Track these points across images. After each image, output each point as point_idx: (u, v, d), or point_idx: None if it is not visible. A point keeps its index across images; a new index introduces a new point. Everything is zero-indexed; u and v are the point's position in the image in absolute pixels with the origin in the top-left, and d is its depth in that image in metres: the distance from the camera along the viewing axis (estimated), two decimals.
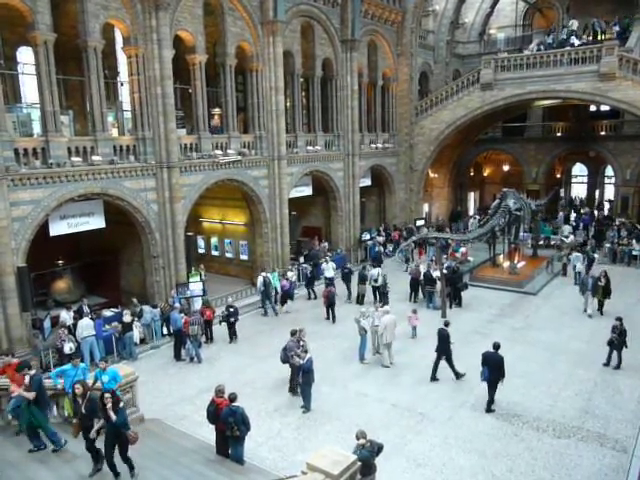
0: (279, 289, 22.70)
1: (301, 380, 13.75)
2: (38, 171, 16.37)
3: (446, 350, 15.31)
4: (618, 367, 15.59)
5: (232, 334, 19.09)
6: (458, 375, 15.41)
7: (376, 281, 22.63)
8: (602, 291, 20.31)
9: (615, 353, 15.65)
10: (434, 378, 15.40)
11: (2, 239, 15.62)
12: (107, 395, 9.71)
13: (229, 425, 10.63)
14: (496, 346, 13.55)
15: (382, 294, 22.31)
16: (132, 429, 10.04)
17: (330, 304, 20.92)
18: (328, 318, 21.09)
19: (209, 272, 25.42)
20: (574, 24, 33.69)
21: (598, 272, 20.85)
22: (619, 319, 15.51)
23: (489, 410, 13.55)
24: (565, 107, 37.37)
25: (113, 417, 9.58)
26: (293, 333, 14.83)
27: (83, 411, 10.02)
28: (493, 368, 13.30)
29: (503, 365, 13.34)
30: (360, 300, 22.63)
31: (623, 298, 21.51)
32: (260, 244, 25.38)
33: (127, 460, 10.02)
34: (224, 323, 19.38)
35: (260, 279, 22.08)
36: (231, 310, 19.10)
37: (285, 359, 14.53)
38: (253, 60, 23.34)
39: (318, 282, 25.09)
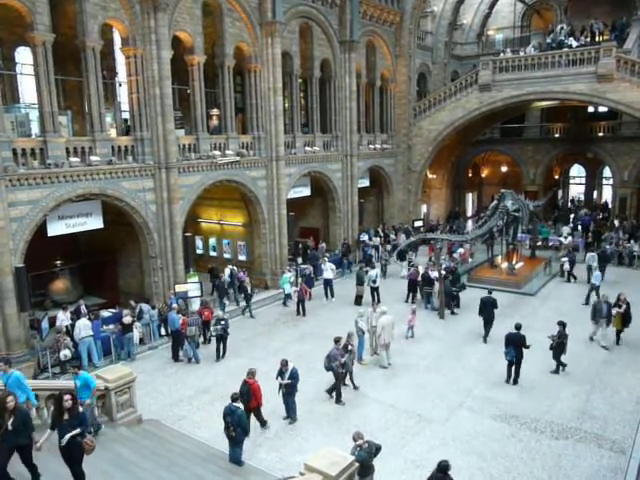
0: (287, 290, 22.82)
1: (284, 390, 13.16)
2: (36, 171, 16.34)
3: (491, 316, 18.20)
4: (557, 372, 15.67)
5: (219, 350, 17.57)
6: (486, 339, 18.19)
7: (374, 282, 22.65)
8: (621, 319, 17.32)
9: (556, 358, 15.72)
10: (485, 341, 18.23)
11: (0, 239, 15.58)
12: (67, 397, 8.85)
13: (226, 424, 10.86)
14: (518, 327, 14.94)
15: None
16: (88, 437, 9.10)
17: (301, 300, 21.74)
18: (299, 314, 21.70)
19: (207, 273, 25.46)
20: (563, 29, 33.71)
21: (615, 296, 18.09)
22: (561, 323, 15.49)
23: (516, 382, 15.03)
24: (563, 108, 37.42)
25: (65, 416, 8.79)
26: (337, 340, 14.45)
27: (9, 427, 8.56)
28: (517, 346, 14.69)
29: (525, 342, 14.69)
30: (358, 301, 22.63)
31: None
32: (258, 245, 25.39)
33: (80, 476, 9.01)
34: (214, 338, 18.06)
35: (227, 271, 23.09)
36: (222, 323, 17.46)
37: (329, 367, 14.07)
38: (251, 61, 23.34)
39: (317, 283, 25.15)
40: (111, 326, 17.96)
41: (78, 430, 8.80)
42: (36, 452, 8.94)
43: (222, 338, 17.44)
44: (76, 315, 18.02)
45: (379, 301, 21.54)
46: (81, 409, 9.15)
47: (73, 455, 8.88)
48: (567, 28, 33.59)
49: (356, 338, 15.33)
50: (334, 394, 14.35)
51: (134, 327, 17.90)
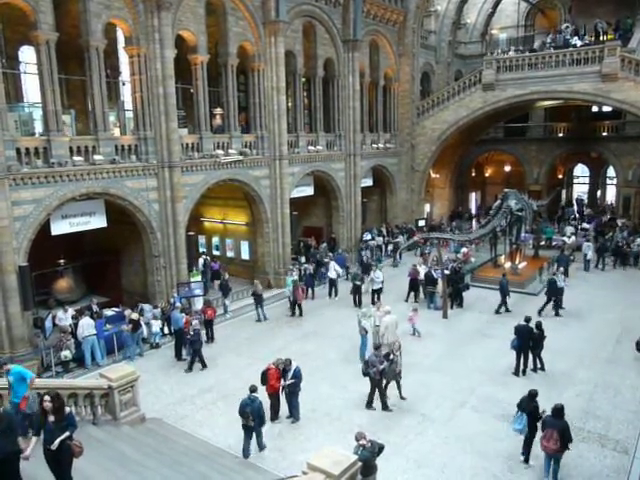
0: (289, 292, 22.10)
1: (287, 390, 13.12)
2: (40, 170, 16.37)
3: (557, 296, 20.40)
4: (535, 370, 15.77)
5: (193, 360, 16.77)
6: (558, 313, 20.32)
7: (383, 282, 22.54)
8: None
9: (533, 358, 15.84)
10: (540, 313, 20.03)
11: (4, 238, 15.63)
12: (47, 397, 8.23)
13: (245, 414, 11.41)
14: (527, 319, 15.54)
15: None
16: (76, 440, 8.50)
17: (296, 300, 21.56)
18: (294, 315, 21.54)
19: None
20: (568, 28, 33.64)
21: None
22: (539, 326, 15.52)
23: (516, 373, 15.60)
24: (567, 108, 37.36)
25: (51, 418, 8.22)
26: (377, 347, 14.08)
27: None
28: (524, 338, 15.29)
29: (533, 334, 15.30)
30: (357, 300, 22.42)
31: None
32: (261, 244, 25.40)
33: None
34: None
35: (201, 260, 24.11)
36: (191, 335, 16.61)
37: (366, 373, 13.60)
38: (255, 60, 23.35)
39: (318, 282, 25.15)
40: (123, 326, 17.84)
41: (67, 433, 8.33)
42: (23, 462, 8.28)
43: (194, 350, 16.71)
44: (87, 314, 17.95)
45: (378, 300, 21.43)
46: (68, 409, 8.63)
47: (62, 460, 8.33)
48: (572, 27, 33.56)
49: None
50: (376, 404, 13.82)
51: (152, 321, 18.24)
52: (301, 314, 21.57)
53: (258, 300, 21.20)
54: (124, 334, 17.59)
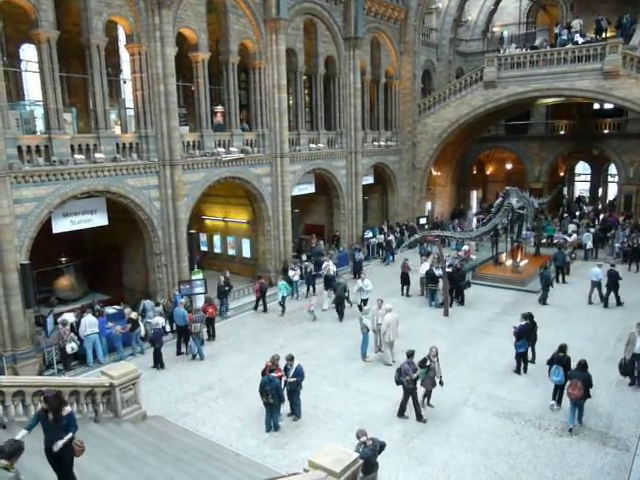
0: (280, 298, 21.61)
1: (289, 387, 13.06)
2: (41, 168, 16.38)
3: (615, 285, 20.97)
4: (532, 361, 16.01)
5: (157, 361, 16.82)
6: (608, 303, 21.12)
7: (366, 292, 20.65)
8: None
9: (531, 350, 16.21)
10: (591, 302, 21.61)
11: (5, 236, 15.64)
12: (45, 396, 8.08)
13: (265, 393, 12.32)
14: (525, 316, 15.72)
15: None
16: (77, 439, 8.33)
17: (262, 295, 21.76)
18: (257, 308, 21.96)
19: (211, 269, 25.59)
20: (577, 25, 33.52)
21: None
22: (531, 317, 15.74)
23: (517, 371, 15.67)
24: (569, 105, 37.25)
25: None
26: (410, 354, 13.27)
27: None
28: (529, 336, 15.60)
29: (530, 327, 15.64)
30: (340, 312, 20.77)
31: None
32: (262, 242, 25.40)
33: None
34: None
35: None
36: (153, 331, 16.97)
37: (399, 381, 13.07)
38: (256, 58, 23.35)
39: (319, 280, 25.08)
40: (118, 327, 17.81)
41: (70, 435, 8.16)
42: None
43: (155, 348, 16.80)
44: (91, 310, 17.95)
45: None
46: (68, 409, 8.41)
47: (64, 459, 8.22)
48: (576, 26, 33.42)
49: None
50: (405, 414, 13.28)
51: (140, 323, 18.08)
52: (265, 309, 21.76)
53: (222, 295, 21.28)
54: (114, 335, 17.56)
